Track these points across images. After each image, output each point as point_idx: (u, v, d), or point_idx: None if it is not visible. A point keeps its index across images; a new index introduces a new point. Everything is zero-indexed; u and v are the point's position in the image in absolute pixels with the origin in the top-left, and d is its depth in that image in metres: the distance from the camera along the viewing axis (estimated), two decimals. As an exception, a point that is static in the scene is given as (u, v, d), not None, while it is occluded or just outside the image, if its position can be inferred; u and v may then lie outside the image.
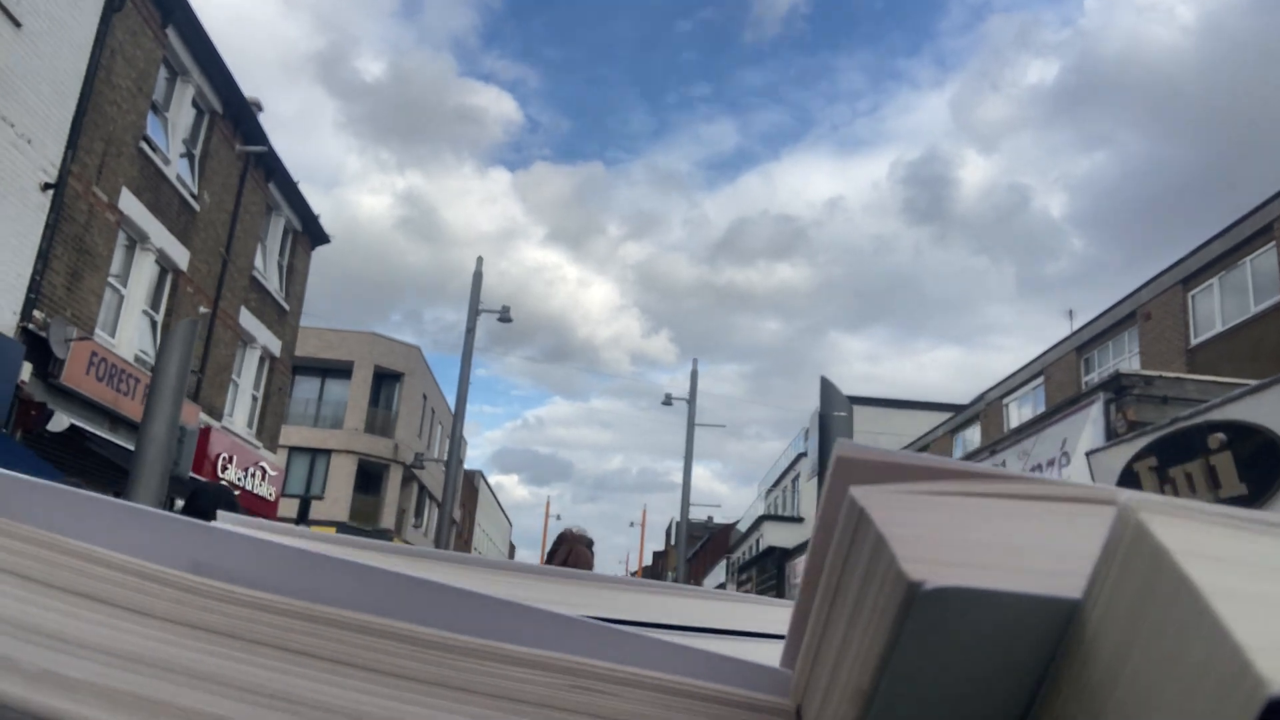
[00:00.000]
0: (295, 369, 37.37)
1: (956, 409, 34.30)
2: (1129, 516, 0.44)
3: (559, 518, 62.38)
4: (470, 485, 55.82)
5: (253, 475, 19.92)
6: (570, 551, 4.45)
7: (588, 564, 4.57)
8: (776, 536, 37.59)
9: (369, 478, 36.62)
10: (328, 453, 35.41)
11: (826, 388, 8.71)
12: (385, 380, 37.90)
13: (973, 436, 30.65)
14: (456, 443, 22.49)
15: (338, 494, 34.94)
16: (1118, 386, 11.43)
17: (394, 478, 36.74)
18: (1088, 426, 11.26)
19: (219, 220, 18.06)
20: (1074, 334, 23.95)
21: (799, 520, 39.01)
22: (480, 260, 23.57)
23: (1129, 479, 9.78)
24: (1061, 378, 24.39)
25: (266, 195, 20.37)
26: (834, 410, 8.61)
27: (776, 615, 0.98)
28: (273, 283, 21.29)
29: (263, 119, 19.50)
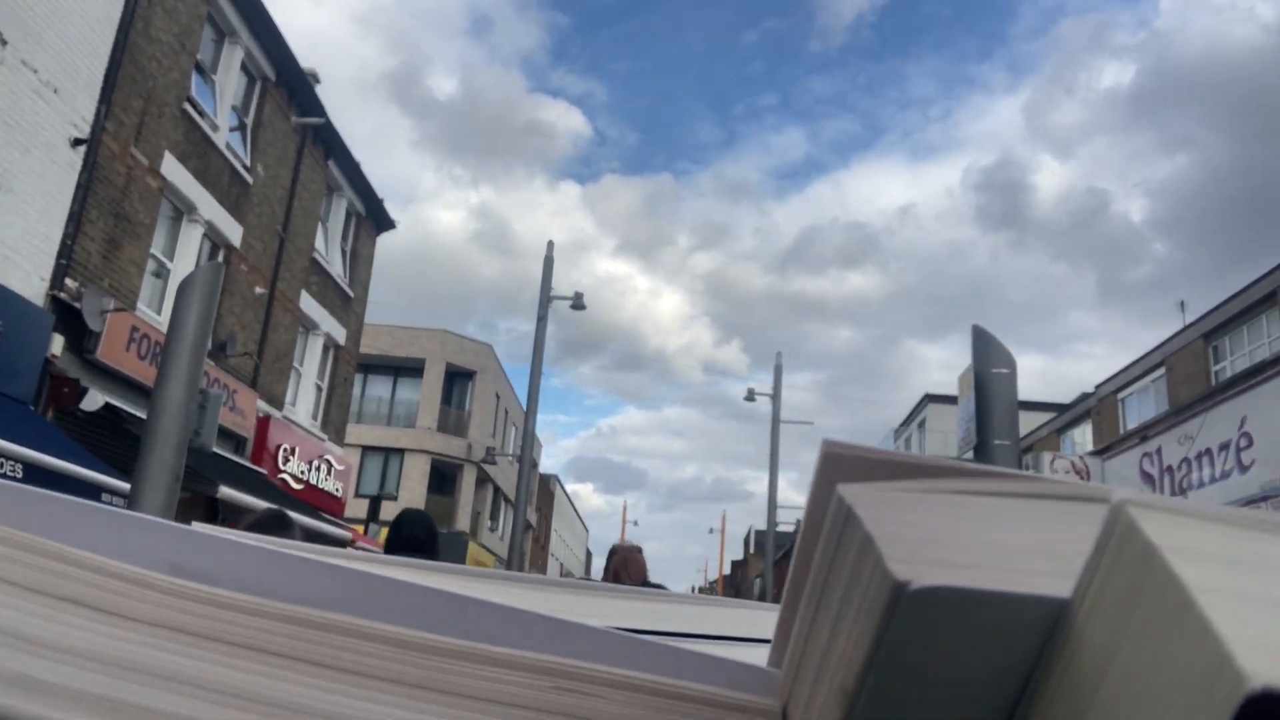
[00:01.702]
0: (366, 367, 36.59)
1: (1059, 408, 32.05)
2: (1119, 514, 0.44)
3: (636, 523, 61.27)
4: (546, 489, 54.73)
5: (318, 469, 18.80)
6: (625, 559, 4.85)
7: (641, 568, 4.86)
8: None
9: (443, 478, 35.64)
10: (400, 452, 34.53)
11: (981, 339, 6.95)
12: (458, 379, 36.98)
13: (1082, 436, 28.65)
14: (530, 439, 21.19)
15: (411, 494, 33.94)
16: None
17: (468, 478, 35.72)
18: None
19: (274, 196, 16.96)
20: (1200, 320, 21.78)
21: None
22: (551, 245, 22.27)
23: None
24: (1187, 368, 22.21)
25: (326, 174, 19.29)
26: (991, 366, 6.77)
27: (769, 619, 0.93)
28: (335, 267, 20.19)
29: (323, 95, 18.38)
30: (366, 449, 34.46)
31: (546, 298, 21.63)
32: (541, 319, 21.42)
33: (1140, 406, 22.84)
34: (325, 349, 20.21)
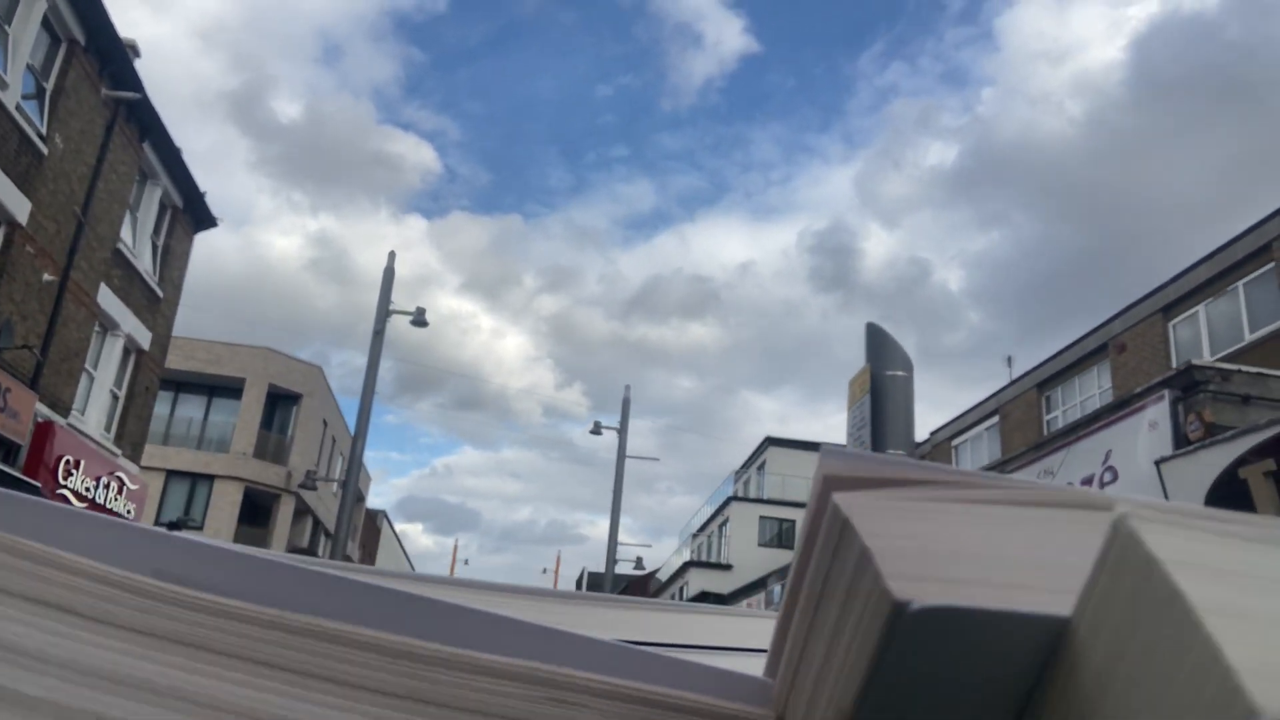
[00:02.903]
0: (178, 384, 33.56)
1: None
2: (1122, 524, 0.43)
3: (467, 562, 59.38)
4: (372, 525, 51.84)
5: (107, 487, 16.53)
6: None
7: None
8: (703, 582, 35.45)
9: (256, 508, 32.88)
10: (210, 478, 31.67)
11: (877, 338, 6.22)
12: (281, 402, 34.37)
13: None
14: (357, 465, 19.44)
15: (220, 524, 31.15)
16: (1187, 383, 9.37)
17: (285, 509, 33.07)
18: (1144, 432, 9.21)
19: (74, 173, 14.92)
20: (1034, 369, 22.57)
21: (727, 568, 36.67)
22: (392, 255, 20.77)
23: (1230, 489, 7.58)
24: (1020, 416, 22.95)
25: (140, 157, 17.22)
26: (888, 369, 6.02)
27: (762, 629, 1.03)
28: (144, 262, 18.03)
29: (151, 85, 16.48)
30: (172, 473, 31.56)
31: (385, 310, 20.14)
32: (378, 333, 19.89)
33: (974, 452, 23.35)
34: (126, 353, 17.99)
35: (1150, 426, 9.48)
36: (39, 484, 13.70)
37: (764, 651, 0.62)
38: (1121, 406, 10.19)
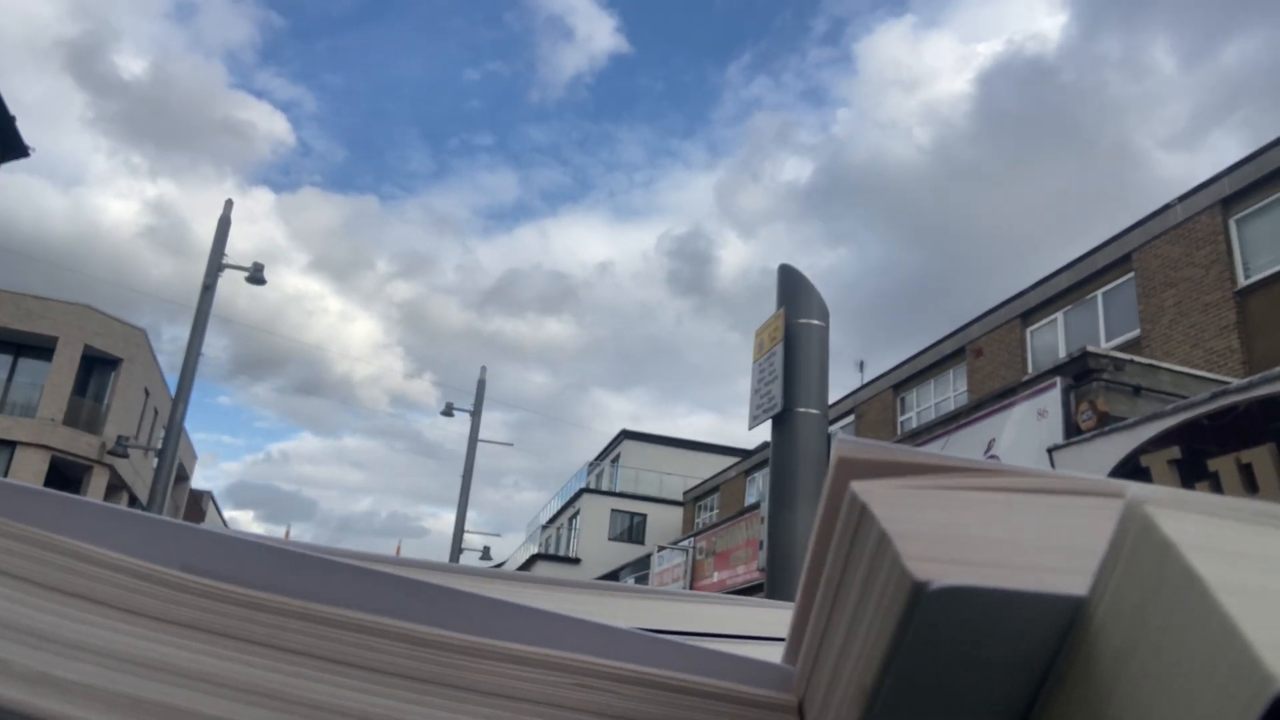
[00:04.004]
0: (-20, 339, 30.13)
1: (744, 453, 32.81)
2: (1136, 510, 0.44)
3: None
4: (196, 507, 48.40)
5: None
6: None
7: None
8: (550, 575, 34.16)
9: (64, 480, 29.88)
10: (11, 445, 28.54)
11: (791, 280, 5.32)
12: (98, 365, 31.40)
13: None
14: (175, 432, 17.53)
15: (17, 497, 28.05)
16: (1080, 371, 9.02)
17: (97, 482, 30.19)
18: (1031, 421, 8.84)
19: None
20: (891, 371, 22.86)
21: (576, 561, 35.80)
22: (229, 204, 18.88)
23: (1130, 478, 7.15)
24: (875, 416, 23.21)
25: (-67, 63, 14.93)
26: (801, 316, 5.11)
27: (781, 618, 0.98)
28: (-69, 186, 15.69)
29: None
30: (-34, 437, 28.26)
31: (218, 264, 18.27)
32: (208, 287, 18.03)
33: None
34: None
35: (1040, 415, 9.14)
36: None
37: (779, 640, 0.63)
38: (1006, 395, 9.83)
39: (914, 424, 20.34)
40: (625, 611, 0.95)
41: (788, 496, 5.01)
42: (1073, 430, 8.72)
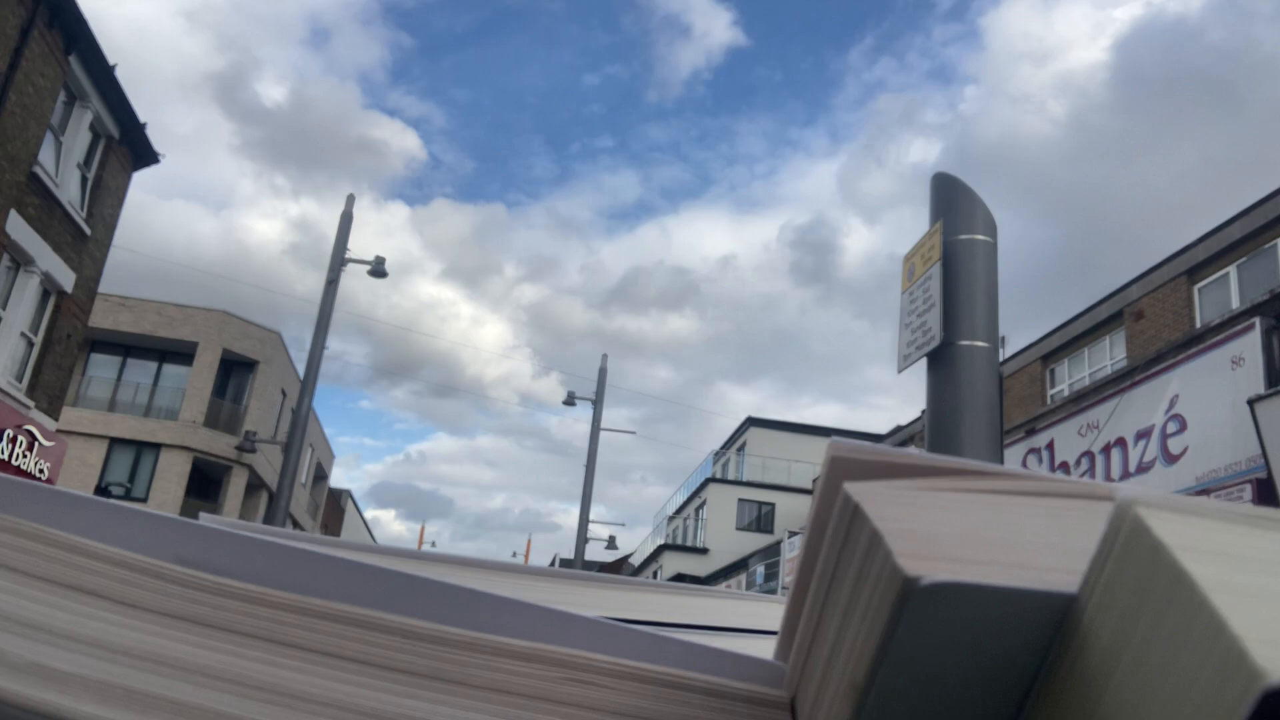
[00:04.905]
0: (128, 348, 31.49)
1: (877, 438, 31.66)
2: (1126, 511, 0.44)
3: (434, 544, 57.92)
4: (335, 504, 49.95)
5: (13, 441, 14.67)
6: None
7: None
8: (679, 565, 33.98)
9: (206, 479, 30.97)
10: (157, 447, 29.67)
11: (949, 190, 4.55)
12: (236, 368, 32.42)
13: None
14: (301, 423, 17.65)
15: (165, 496, 29.19)
16: (1280, 311, 7.83)
17: (237, 481, 31.15)
18: (1224, 371, 7.74)
19: (-24, 75, 13.05)
20: (1038, 342, 21.23)
21: (704, 551, 35.22)
22: (351, 199, 18.95)
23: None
24: (1021, 391, 21.65)
25: (65, 72, 15.33)
26: (962, 232, 4.31)
27: (774, 612, 0.98)
28: (68, 193, 16.10)
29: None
30: (116, 441, 29.50)
31: (341, 258, 18.35)
32: (332, 283, 18.14)
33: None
34: (44, 294, 16.10)
35: (1234, 363, 8.00)
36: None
37: (772, 634, 0.62)
38: (1189, 345, 8.65)
39: (1065, 395, 18.89)
40: (619, 605, 0.93)
41: (950, 444, 4.27)
42: (1277, 378, 7.54)
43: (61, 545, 0.57)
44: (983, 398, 4.33)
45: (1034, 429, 11.88)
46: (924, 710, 0.46)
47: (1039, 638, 0.46)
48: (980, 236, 4.42)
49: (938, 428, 4.40)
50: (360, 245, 19.31)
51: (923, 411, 4.86)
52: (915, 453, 0.56)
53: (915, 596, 0.42)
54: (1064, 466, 16.42)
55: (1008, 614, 0.44)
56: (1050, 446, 16.10)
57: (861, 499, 0.49)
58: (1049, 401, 19.43)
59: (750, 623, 0.91)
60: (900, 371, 4.77)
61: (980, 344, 4.30)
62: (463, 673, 0.54)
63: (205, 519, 0.65)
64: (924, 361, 4.56)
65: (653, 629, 0.61)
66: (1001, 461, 4.19)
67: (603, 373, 25.75)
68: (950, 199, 4.47)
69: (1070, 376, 20.46)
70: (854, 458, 0.55)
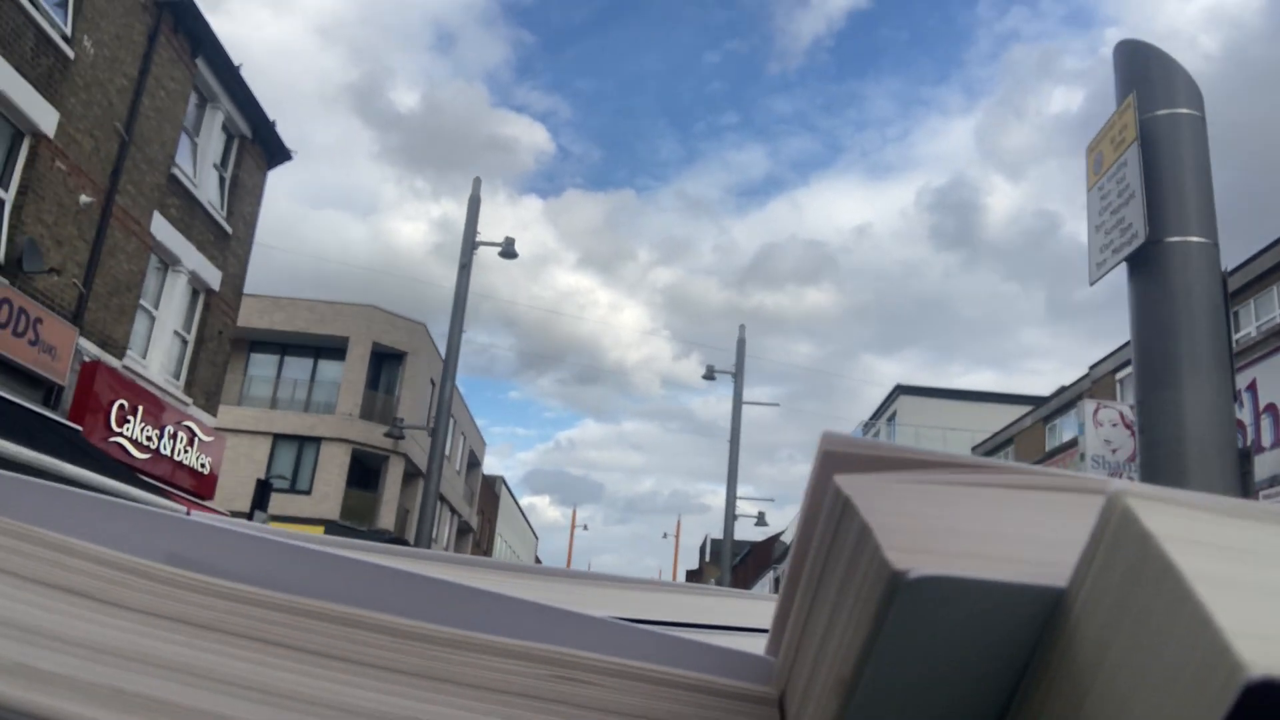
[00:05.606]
0: (284, 346, 32.60)
1: (1036, 400, 29.63)
2: (1116, 503, 0.44)
3: (585, 528, 58.52)
4: (490, 491, 50.99)
5: (174, 436, 15.11)
6: None
7: None
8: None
9: (366, 471, 31.87)
10: (317, 440, 30.69)
11: (1140, 59, 3.61)
12: (386, 361, 33.25)
13: (1069, 424, 26.20)
14: (445, 407, 17.62)
15: (328, 488, 30.21)
16: None
17: (394, 471, 31.99)
18: None
19: (110, 84, 13.35)
20: (1235, 270, 19.08)
21: (862, 524, 34.07)
22: (478, 182, 18.81)
23: None
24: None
25: (194, 74, 15.64)
26: (1161, 106, 3.35)
27: (767, 610, 0.99)
28: (207, 193, 16.49)
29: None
30: (279, 436, 30.70)
31: (472, 241, 18.27)
32: (464, 266, 18.03)
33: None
34: (193, 293, 16.55)
35: None
36: (79, 428, 12.23)
37: (763, 631, 0.63)
38: None
39: (1253, 340, 17.09)
40: (609, 602, 0.95)
41: (1164, 368, 3.38)
42: None
43: (49, 545, 0.57)
44: (1204, 306, 3.42)
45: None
46: (912, 704, 0.47)
47: (1028, 631, 0.46)
48: (1184, 110, 3.49)
49: (1147, 349, 3.51)
50: (497, 238, 19.19)
51: (1115, 350, 3.94)
52: (907, 446, 0.56)
53: (903, 590, 0.42)
54: (1270, 410, 14.66)
55: (996, 608, 0.44)
56: (1254, 387, 14.46)
57: (851, 492, 0.49)
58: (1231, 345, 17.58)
59: (744, 621, 0.91)
60: (1093, 283, 3.88)
61: (1196, 239, 3.39)
62: (451, 670, 0.55)
63: (197, 516, 0.64)
64: (1123, 268, 3.65)
65: (644, 626, 0.61)
66: (1233, 385, 3.24)
67: (741, 344, 25.02)
68: (1142, 69, 3.55)
69: (1258, 317, 18.52)
70: (846, 451, 0.55)
